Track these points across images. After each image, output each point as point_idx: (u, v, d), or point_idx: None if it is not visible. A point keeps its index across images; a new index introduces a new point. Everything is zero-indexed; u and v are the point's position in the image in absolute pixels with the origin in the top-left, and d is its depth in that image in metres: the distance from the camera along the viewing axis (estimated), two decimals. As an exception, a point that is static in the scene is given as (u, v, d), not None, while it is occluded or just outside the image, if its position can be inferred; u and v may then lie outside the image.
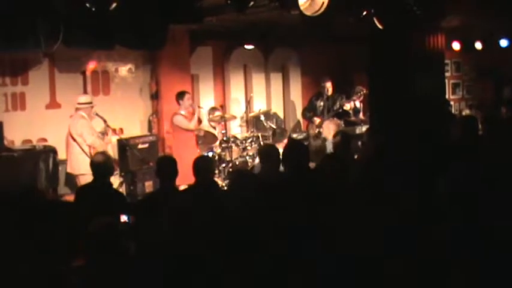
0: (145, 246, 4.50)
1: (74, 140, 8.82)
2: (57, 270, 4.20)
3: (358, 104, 12.18)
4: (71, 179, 9.13)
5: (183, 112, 10.04)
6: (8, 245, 4.60)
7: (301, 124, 13.35)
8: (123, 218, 5.88)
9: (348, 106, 11.70)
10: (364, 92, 11.63)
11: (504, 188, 5.01)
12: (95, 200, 5.94)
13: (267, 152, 6.63)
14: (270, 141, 9.52)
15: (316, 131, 11.32)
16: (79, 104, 8.98)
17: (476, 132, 7.52)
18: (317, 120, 11.50)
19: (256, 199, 5.03)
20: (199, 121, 10.61)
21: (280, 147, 7.83)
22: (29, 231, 4.78)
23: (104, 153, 6.99)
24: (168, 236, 4.55)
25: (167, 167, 6.12)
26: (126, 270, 3.94)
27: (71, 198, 9.01)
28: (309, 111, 11.88)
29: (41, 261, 4.29)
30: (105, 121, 9.15)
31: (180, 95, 10.07)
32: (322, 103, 11.61)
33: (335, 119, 11.34)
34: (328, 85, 11.66)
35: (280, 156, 6.33)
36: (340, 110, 11.63)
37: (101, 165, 6.34)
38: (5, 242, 4.66)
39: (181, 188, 7.08)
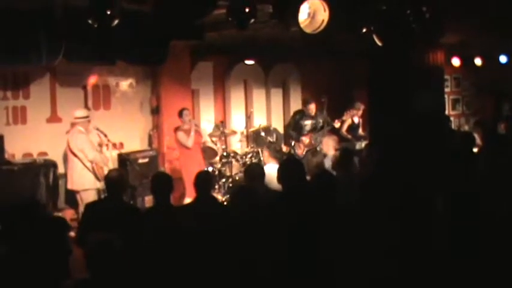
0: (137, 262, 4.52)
1: (75, 155, 8.82)
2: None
3: (357, 119, 12.20)
4: (69, 194, 9.12)
5: (186, 127, 10.07)
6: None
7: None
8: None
9: (338, 124, 11.60)
10: (355, 110, 11.71)
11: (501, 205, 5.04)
12: (109, 216, 5.88)
13: (253, 171, 6.66)
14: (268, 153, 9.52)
15: (305, 150, 11.21)
16: (76, 118, 9.00)
17: (472, 148, 7.55)
18: (306, 139, 11.40)
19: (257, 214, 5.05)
20: (200, 136, 10.58)
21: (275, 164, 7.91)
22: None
23: (118, 170, 7.02)
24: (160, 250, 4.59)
25: (162, 183, 6.12)
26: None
27: (69, 213, 9.08)
28: (294, 129, 11.67)
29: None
30: (105, 135, 9.18)
31: (180, 112, 10.12)
32: (307, 121, 11.51)
33: (332, 135, 11.32)
34: (312, 107, 11.51)
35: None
36: (331, 126, 11.58)
37: (115, 181, 6.32)
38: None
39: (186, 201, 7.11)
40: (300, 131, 11.47)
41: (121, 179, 6.41)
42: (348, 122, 12.11)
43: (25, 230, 4.89)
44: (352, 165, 7.52)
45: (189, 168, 9.71)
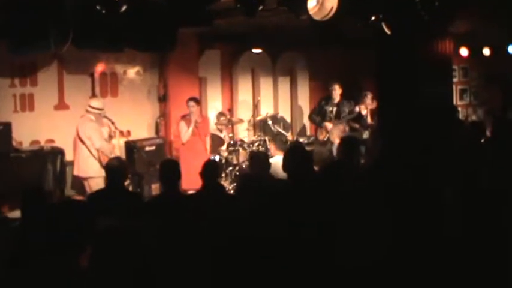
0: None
1: (83, 142, 8.85)
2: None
3: (364, 109, 12.12)
4: (77, 181, 9.15)
5: (190, 117, 10.03)
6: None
7: (307, 128, 13.33)
8: None
9: (364, 111, 11.55)
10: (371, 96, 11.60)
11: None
12: (110, 203, 5.91)
13: (256, 159, 6.65)
14: (274, 145, 9.45)
15: (326, 137, 11.20)
16: (91, 107, 9.01)
17: (481, 138, 7.53)
18: (328, 125, 11.35)
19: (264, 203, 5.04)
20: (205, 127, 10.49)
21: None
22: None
23: (118, 158, 7.04)
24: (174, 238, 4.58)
25: (170, 170, 6.13)
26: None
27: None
28: (317, 115, 11.75)
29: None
30: (112, 123, 9.18)
31: (186, 101, 10.10)
32: (332, 108, 11.49)
33: (343, 123, 11.26)
34: (337, 87, 11.54)
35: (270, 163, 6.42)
36: (355, 114, 11.51)
37: (115, 170, 6.35)
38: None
39: (190, 192, 7.10)
40: (324, 116, 11.46)
41: (122, 167, 6.44)
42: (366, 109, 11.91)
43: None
44: (355, 154, 7.42)
45: (188, 157, 9.70)
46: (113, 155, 8.88)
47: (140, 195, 8.02)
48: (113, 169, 6.36)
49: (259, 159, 6.73)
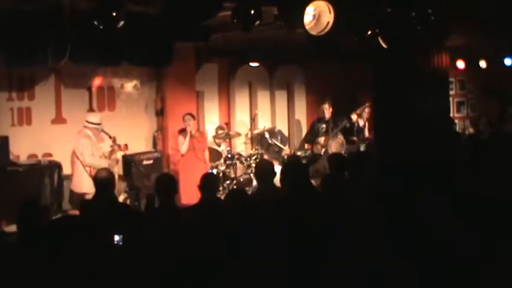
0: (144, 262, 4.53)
1: (78, 158, 8.87)
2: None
3: (361, 122, 12.17)
4: (74, 196, 9.13)
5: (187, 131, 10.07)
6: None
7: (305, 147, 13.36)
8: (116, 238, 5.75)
9: (354, 117, 11.68)
10: (367, 106, 11.66)
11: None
12: (100, 213, 5.92)
13: (261, 170, 6.63)
14: (268, 157, 9.46)
15: (322, 150, 11.25)
16: (88, 122, 9.02)
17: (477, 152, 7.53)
18: (321, 139, 11.43)
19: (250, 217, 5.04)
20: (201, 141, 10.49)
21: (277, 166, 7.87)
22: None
23: (107, 169, 7.04)
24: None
25: (166, 184, 6.14)
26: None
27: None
28: (311, 135, 11.82)
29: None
30: (110, 137, 9.17)
31: (182, 116, 10.13)
32: (324, 125, 11.56)
33: (339, 136, 11.31)
34: (326, 107, 11.63)
35: (275, 172, 6.41)
36: (348, 125, 11.59)
37: (103, 180, 6.36)
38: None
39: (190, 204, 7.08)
40: (317, 133, 11.54)
41: (109, 178, 6.44)
42: (356, 118, 12.02)
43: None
44: (362, 169, 7.44)
45: (186, 172, 9.71)
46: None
47: (128, 205, 7.99)
48: (101, 180, 6.37)
49: (263, 168, 6.67)
